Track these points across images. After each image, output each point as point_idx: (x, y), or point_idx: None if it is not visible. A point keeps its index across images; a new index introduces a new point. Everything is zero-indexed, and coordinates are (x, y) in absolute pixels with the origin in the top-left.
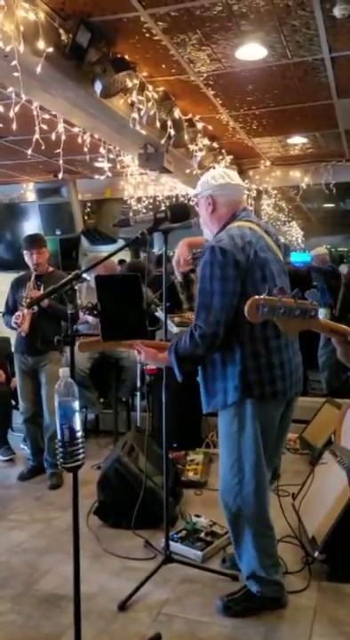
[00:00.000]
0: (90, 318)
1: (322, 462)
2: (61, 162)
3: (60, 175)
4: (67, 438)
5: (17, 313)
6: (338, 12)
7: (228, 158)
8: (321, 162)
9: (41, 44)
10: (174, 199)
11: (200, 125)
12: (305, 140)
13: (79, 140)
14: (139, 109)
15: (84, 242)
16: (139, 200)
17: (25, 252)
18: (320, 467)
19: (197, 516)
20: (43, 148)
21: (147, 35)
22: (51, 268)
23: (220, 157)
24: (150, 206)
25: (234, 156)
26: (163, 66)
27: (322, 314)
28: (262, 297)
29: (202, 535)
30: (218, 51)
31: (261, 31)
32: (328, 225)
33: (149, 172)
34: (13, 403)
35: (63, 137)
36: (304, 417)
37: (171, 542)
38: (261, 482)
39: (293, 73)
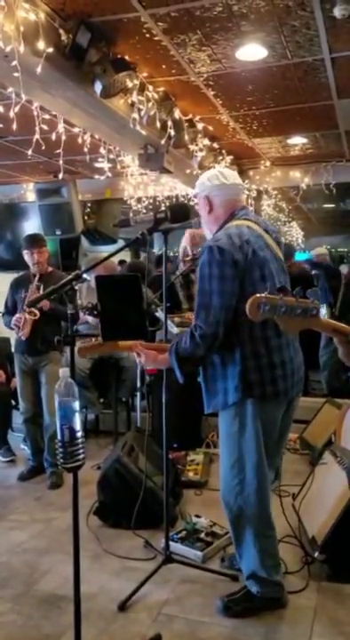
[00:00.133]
0: (90, 318)
1: (322, 462)
2: (61, 162)
3: (60, 175)
4: (67, 438)
5: (17, 315)
6: (338, 12)
7: (228, 159)
8: (321, 162)
9: (41, 45)
10: (174, 199)
11: (200, 126)
12: (305, 141)
13: (79, 141)
14: (140, 110)
15: (84, 242)
16: (139, 200)
17: (25, 251)
18: (320, 467)
19: (197, 516)
20: (43, 148)
21: (148, 35)
22: (50, 269)
23: (220, 158)
24: (150, 206)
25: (235, 156)
26: (164, 66)
27: (323, 312)
28: (263, 295)
29: (203, 535)
30: (218, 51)
31: (261, 32)
32: (328, 225)
33: (149, 173)
34: (13, 403)
35: (63, 137)
36: (304, 417)
37: (171, 542)
38: (262, 482)
39: (293, 73)
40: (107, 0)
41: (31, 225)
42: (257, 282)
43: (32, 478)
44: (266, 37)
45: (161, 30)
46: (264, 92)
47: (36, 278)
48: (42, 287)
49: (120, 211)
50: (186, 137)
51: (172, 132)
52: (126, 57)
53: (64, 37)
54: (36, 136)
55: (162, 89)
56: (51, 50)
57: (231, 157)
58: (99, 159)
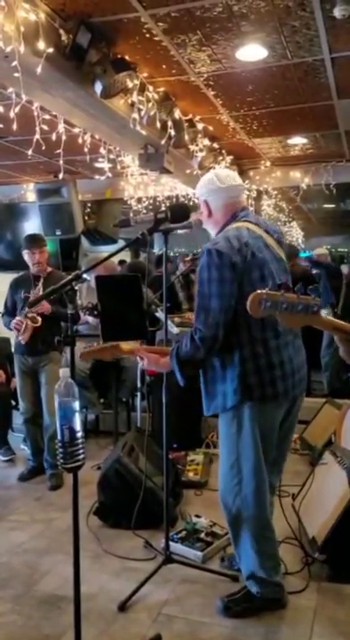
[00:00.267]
0: (90, 319)
1: (322, 463)
2: (61, 162)
3: (61, 175)
4: (67, 439)
5: (19, 319)
6: (338, 12)
7: (229, 159)
8: (321, 162)
9: (41, 45)
10: (174, 199)
11: (200, 126)
12: (305, 141)
13: (79, 141)
14: (140, 110)
15: (85, 242)
16: (139, 200)
17: (25, 251)
18: (320, 467)
19: (197, 516)
20: (43, 148)
21: (148, 35)
22: (49, 269)
23: (221, 158)
24: (150, 207)
25: (235, 156)
26: (164, 66)
27: (325, 314)
28: (265, 291)
29: (203, 536)
30: (218, 51)
31: (261, 32)
32: (328, 225)
33: (149, 173)
34: (13, 403)
35: (63, 137)
36: (304, 417)
37: (171, 543)
38: (260, 484)
39: (293, 73)
40: (108, 0)
41: (31, 225)
42: (256, 282)
43: (32, 478)
44: (267, 38)
45: (161, 30)
46: (264, 92)
47: (41, 281)
48: (41, 288)
49: (120, 211)
50: (187, 137)
51: (172, 132)
52: (126, 57)
53: (64, 38)
54: (37, 136)
55: (162, 89)
56: (51, 50)
57: (231, 157)
58: (100, 159)
